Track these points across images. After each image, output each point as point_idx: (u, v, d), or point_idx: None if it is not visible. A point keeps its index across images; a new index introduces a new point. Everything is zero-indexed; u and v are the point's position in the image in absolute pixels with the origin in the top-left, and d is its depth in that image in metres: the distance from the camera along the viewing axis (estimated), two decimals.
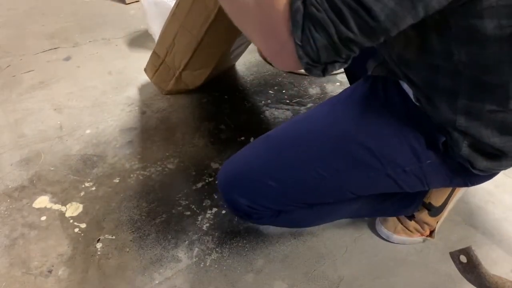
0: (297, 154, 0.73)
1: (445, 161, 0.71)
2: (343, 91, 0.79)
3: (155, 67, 1.35)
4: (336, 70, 0.56)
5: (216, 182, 1.10)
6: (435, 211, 0.96)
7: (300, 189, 0.74)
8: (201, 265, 0.93)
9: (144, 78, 1.45)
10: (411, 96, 0.68)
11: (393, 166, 0.71)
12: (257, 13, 0.54)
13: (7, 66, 1.53)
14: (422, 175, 0.72)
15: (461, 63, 0.57)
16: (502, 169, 0.72)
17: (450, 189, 0.96)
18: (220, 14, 1.14)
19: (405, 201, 0.93)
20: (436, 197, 0.95)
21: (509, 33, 0.53)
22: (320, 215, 0.86)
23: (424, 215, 0.96)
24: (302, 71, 0.56)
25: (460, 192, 1.00)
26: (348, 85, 1.10)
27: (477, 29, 0.53)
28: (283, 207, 0.77)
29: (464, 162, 0.68)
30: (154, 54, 1.33)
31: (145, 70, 1.39)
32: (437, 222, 0.97)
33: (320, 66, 0.53)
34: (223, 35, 1.21)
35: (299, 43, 0.50)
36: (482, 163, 0.67)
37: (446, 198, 0.96)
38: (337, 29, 0.49)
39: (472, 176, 0.74)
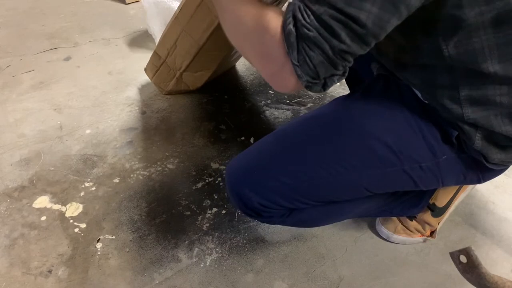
0: (313, 150, 0.72)
1: (460, 156, 0.71)
2: (354, 90, 0.79)
3: (155, 67, 1.35)
4: (335, 83, 0.58)
5: (219, 180, 1.11)
6: (438, 212, 0.96)
7: (315, 186, 0.72)
8: (201, 265, 0.93)
9: (144, 78, 1.45)
10: (420, 95, 0.69)
11: (410, 162, 0.71)
12: (254, 39, 0.57)
13: (7, 66, 1.53)
14: (438, 171, 0.72)
15: (451, 58, 0.58)
16: None
17: (455, 190, 0.96)
18: None
19: (413, 201, 0.93)
20: (440, 198, 0.95)
21: (490, 18, 0.53)
22: (332, 214, 0.85)
23: (426, 215, 0.96)
24: None
25: (464, 193, 1.00)
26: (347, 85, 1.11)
27: (459, 19, 0.54)
28: (295, 205, 0.75)
29: (478, 156, 0.68)
30: (155, 54, 1.33)
31: (145, 70, 1.39)
32: (438, 223, 0.97)
33: (319, 82, 0.56)
34: (224, 41, 1.20)
35: (297, 63, 0.53)
36: (496, 155, 0.67)
37: (450, 199, 0.96)
38: (330, 44, 0.51)
39: (485, 171, 0.73)
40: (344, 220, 1.02)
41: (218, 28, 1.16)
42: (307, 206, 0.76)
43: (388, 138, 0.70)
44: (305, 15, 0.51)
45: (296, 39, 0.52)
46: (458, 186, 0.96)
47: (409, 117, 0.69)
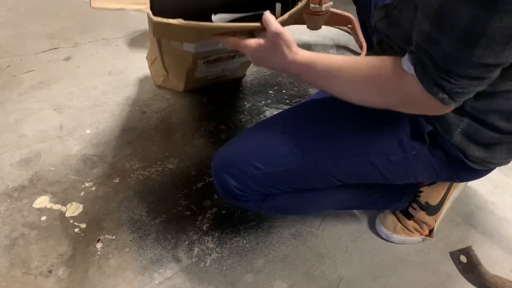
0: (286, 137, 0.75)
1: (432, 153, 0.71)
2: None
3: (151, 59, 1.37)
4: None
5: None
6: (432, 210, 0.96)
7: (286, 172, 0.75)
8: (201, 265, 0.93)
9: (144, 78, 1.45)
10: None
11: (378, 153, 0.71)
12: (382, 96, 0.63)
13: (7, 66, 1.53)
14: (408, 166, 0.73)
15: None
16: (495, 162, 0.71)
17: (446, 187, 0.97)
18: (165, 50, 1.17)
19: (395, 195, 0.93)
20: (432, 196, 0.96)
21: None
22: (306, 203, 0.86)
23: (422, 214, 0.96)
24: None
25: (457, 190, 1.00)
26: None
27: None
28: (269, 191, 0.78)
29: (456, 152, 0.68)
30: (150, 48, 1.35)
31: (146, 57, 1.42)
32: (435, 221, 0.98)
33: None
34: (175, 62, 1.23)
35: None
36: (474, 152, 0.67)
37: (443, 197, 0.96)
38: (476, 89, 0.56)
39: (460, 170, 0.73)
40: (338, 220, 1.02)
41: (163, 52, 1.18)
42: (280, 192, 0.78)
43: (358, 128, 0.72)
44: (452, 81, 0.54)
45: (449, 98, 0.56)
46: (449, 183, 0.97)
47: (382, 109, 0.70)
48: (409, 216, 0.97)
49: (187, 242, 0.98)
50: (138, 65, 1.50)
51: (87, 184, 1.10)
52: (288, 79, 1.49)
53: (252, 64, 1.45)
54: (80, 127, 1.28)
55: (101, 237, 0.98)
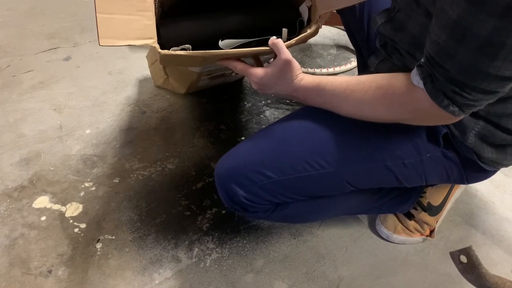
0: (297, 144, 0.73)
1: (445, 155, 0.71)
2: None
3: (152, 60, 1.37)
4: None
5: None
6: (434, 211, 0.96)
7: (299, 180, 0.73)
8: (201, 265, 0.93)
9: (144, 78, 1.45)
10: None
11: (393, 158, 0.71)
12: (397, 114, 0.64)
13: (7, 66, 1.53)
14: (421, 169, 0.73)
15: None
16: (505, 163, 0.72)
17: (448, 187, 0.97)
18: (169, 68, 1.21)
19: (401, 198, 0.93)
20: (434, 196, 0.96)
21: None
22: (317, 210, 0.85)
23: (423, 215, 0.96)
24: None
25: (458, 191, 1.00)
26: None
27: None
28: (280, 199, 0.75)
29: (470, 154, 0.68)
30: (152, 48, 1.34)
31: (147, 57, 1.41)
32: (436, 222, 0.98)
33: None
34: (178, 76, 1.25)
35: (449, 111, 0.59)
36: (488, 154, 0.68)
37: (445, 197, 0.96)
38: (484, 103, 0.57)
39: (470, 171, 0.74)
40: (338, 220, 1.02)
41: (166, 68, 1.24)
42: (291, 200, 0.76)
43: (372, 134, 0.71)
44: (465, 95, 0.55)
45: (459, 110, 0.58)
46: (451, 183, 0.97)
47: None
48: (410, 217, 0.97)
49: (187, 242, 0.98)
50: (138, 65, 1.50)
51: (87, 184, 1.10)
52: None
53: None
54: (80, 127, 1.28)
55: (101, 237, 0.98)
